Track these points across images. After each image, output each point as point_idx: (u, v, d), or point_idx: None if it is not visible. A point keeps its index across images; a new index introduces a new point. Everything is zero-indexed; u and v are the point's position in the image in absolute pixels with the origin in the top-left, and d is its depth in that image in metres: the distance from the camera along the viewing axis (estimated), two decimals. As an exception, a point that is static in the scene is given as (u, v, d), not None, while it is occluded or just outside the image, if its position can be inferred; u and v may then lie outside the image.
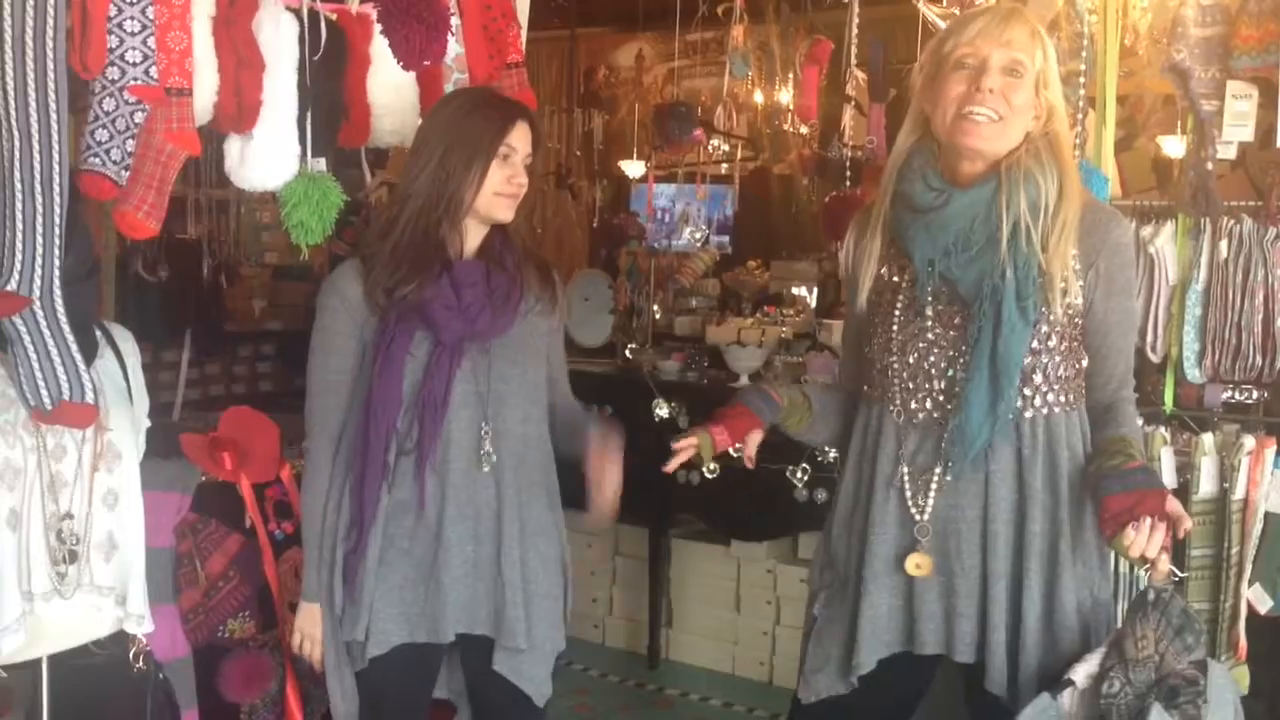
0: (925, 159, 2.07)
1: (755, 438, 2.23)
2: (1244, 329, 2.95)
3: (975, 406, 2.00)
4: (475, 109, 2.25)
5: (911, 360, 2.08)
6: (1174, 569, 1.93)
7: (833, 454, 3.63)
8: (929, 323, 2.07)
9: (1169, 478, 3.04)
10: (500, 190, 2.24)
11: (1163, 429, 3.05)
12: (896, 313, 2.10)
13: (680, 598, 4.72)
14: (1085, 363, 2.09)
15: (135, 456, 2.28)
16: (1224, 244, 2.96)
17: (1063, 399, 2.06)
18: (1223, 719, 1.92)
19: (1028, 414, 2.04)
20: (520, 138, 2.26)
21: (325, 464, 2.31)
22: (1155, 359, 3.13)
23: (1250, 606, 2.94)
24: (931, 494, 2.06)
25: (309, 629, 2.35)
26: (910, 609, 2.10)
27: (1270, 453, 2.92)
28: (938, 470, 2.05)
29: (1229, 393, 3.23)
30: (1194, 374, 3.04)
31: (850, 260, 2.22)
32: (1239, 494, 2.94)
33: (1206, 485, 2.99)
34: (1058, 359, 2.05)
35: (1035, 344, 2.02)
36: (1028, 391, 2.03)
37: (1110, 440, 2.03)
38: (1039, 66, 2.00)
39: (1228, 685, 1.94)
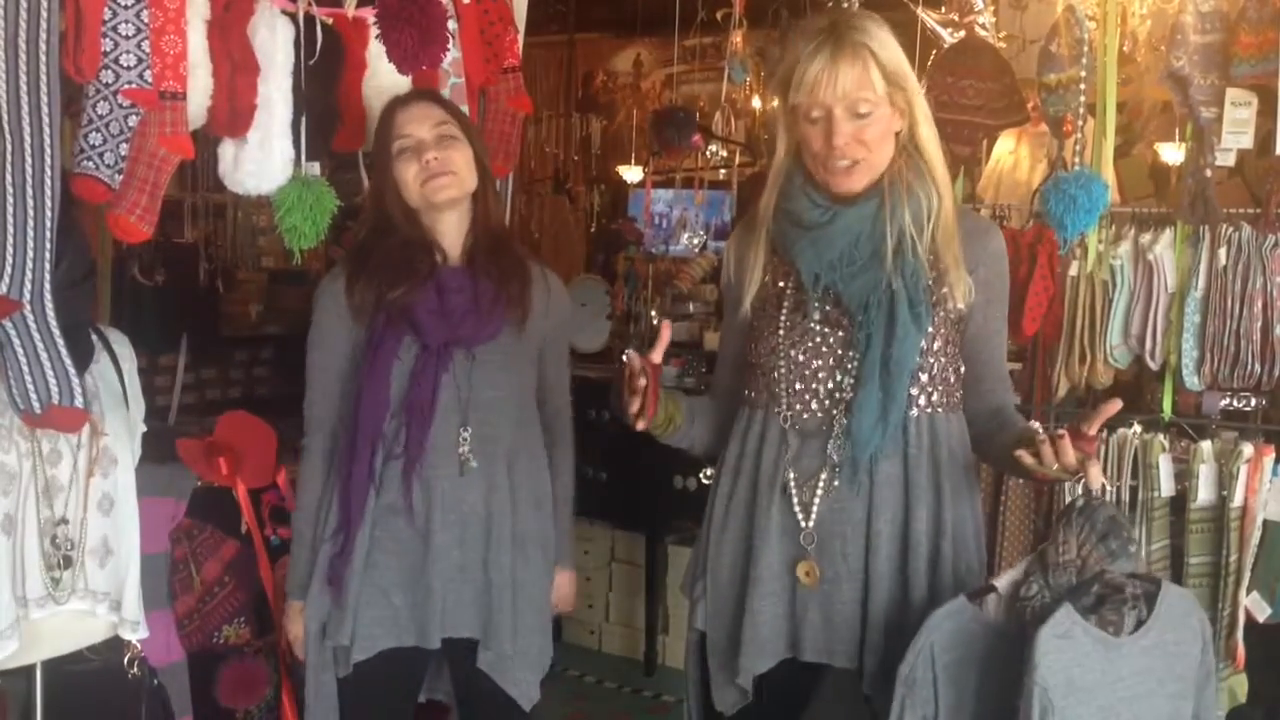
0: (806, 176, 2.08)
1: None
2: (1243, 336, 2.94)
3: (866, 413, 2.01)
4: (379, 120, 2.30)
5: (799, 361, 2.08)
6: (1105, 481, 1.95)
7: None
8: (815, 325, 2.08)
9: (1167, 485, 3.04)
10: (419, 178, 2.25)
11: (1161, 436, 3.05)
12: (782, 316, 2.10)
13: (677, 604, 4.67)
14: (963, 369, 2.12)
15: (131, 461, 2.27)
16: (1223, 251, 2.95)
17: (945, 400, 2.09)
18: (1180, 639, 1.90)
19: (913, 413, 2.05)
20: (412, 121, 2.26)
21: (319, 461, 2.33)
22: (1154, 366, 3.12)
23: (1248, 614, 2.93)
24: (818, 499, 2.05)
25: (294, 628, 2.35)
26: (793, 615, 2.10)
27: (1269, 460, 2.91)
28: (824, 476, 2.05)
29: (1226, 400, 3.22)
30: (1193, 381, 3.03)
31: (733, 270, 2.20)
32: (1237, 501, 2.93)
33: (1205, 493, 2.99)
34: (943, 360, 2.07)
35: (922, 345, 2.04)
36: (914, 391, 2.05)
37: (1023, 431, 2.02)
38: (883, 87, 2.00)
39: (1190, 608, 1.94)
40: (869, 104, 1.98)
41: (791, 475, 2.07)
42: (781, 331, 2.10)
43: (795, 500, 2.07)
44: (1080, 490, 1.91)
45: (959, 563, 2.08)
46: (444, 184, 2.26)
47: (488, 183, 2.35)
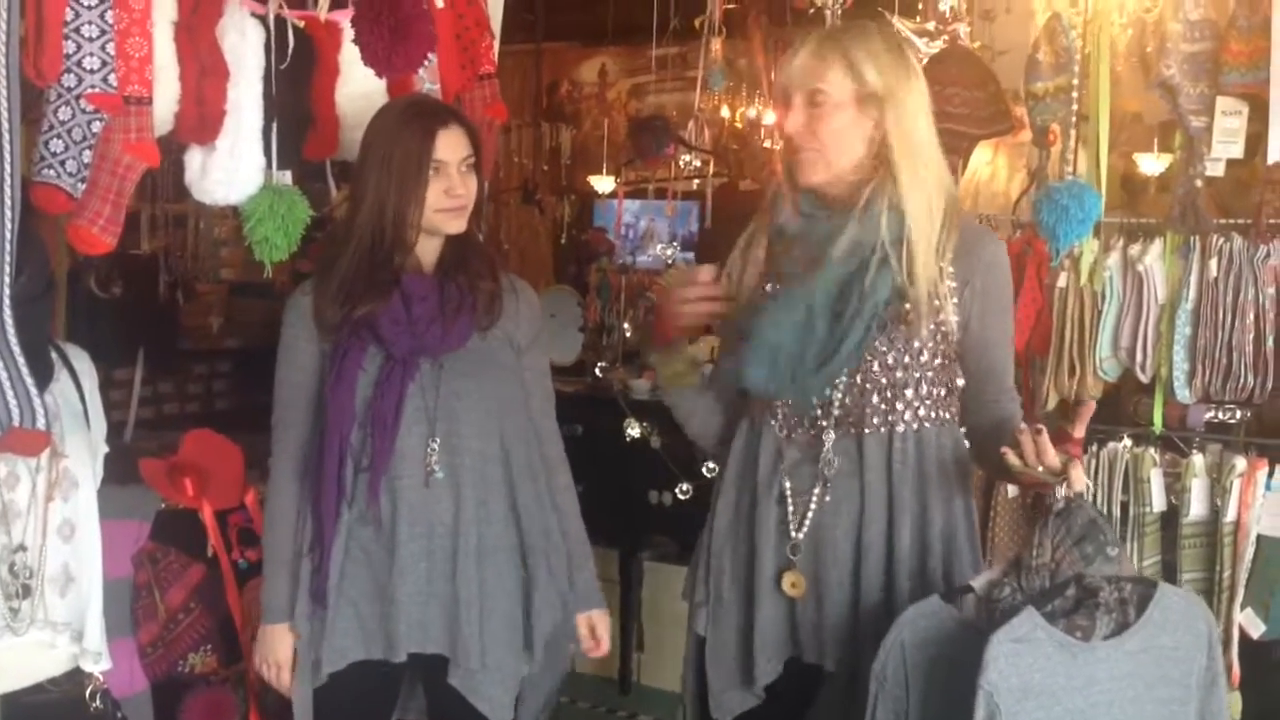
0: (793, 185, 2.11)
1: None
2: (1235, 348, 2.92)
3: (806, 364, 2.03)
4: (403, 125, 2.22)
5: None
6: (1089, 483, 1.92)
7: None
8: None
9: (1158, 500, 3.01)
10: (440, 206, 2.21)
11: (1152, 450, 3.01)
12: None
13: (653, 621, 4.64)
14: (960, 382, 2.11)
15: (93, 484, 2.21)
16: (1214, 262, 2.93)
17: (933, 415, 2.08)
18: (1178, 642, 1.88)
19: (899, 429, 2.06)
20: (449, 147, 2.21)
21: (285, 479, 2.30)
22: (1144, 379, 3.09)
23: (1242, 631, 2.90)
24: (810, 511, 2.08)
25: (274, 654, 2.29)
26: (792, 617, 2.12)
27: (1262, 474, 2.90)
28: (816, 490, 2.07)
29: (1212, 412, 3.20)
30: (1184, 394, 3.01)
31: (736, 273, 2.22)
32: (1230, 516, 2.92)
33: (1197, 508, 2.97)
34: (930, 375, 2.06)
35: (907, 359, 2.04)
36: (900, 406, 2.05)
37: (1011, 436, 2.00)
38: (847, 87, 2.01)
39: (1193, 610, 1.92)
40: (823, 96, 2.01)
41: (788, 485, 2.09)
42: None
43: (790, 510, 2.09)
44: (1059, 493, 1.88)
45: (952, 572, 2.08)
46: (459, 218, 2.25)
47: (479, 210, 2.34)
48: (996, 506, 3.15)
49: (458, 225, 2.24)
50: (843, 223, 2.03)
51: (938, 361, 2.07)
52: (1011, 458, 1.85)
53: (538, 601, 2.31)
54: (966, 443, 2.14)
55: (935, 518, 2.07)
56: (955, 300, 2.06)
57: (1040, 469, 1.83)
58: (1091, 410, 1.92)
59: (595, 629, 2.40)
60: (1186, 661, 1.89)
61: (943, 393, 2.09)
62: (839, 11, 3.41)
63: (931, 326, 2.04)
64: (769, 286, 2.12)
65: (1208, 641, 1.91)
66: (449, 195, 2.20)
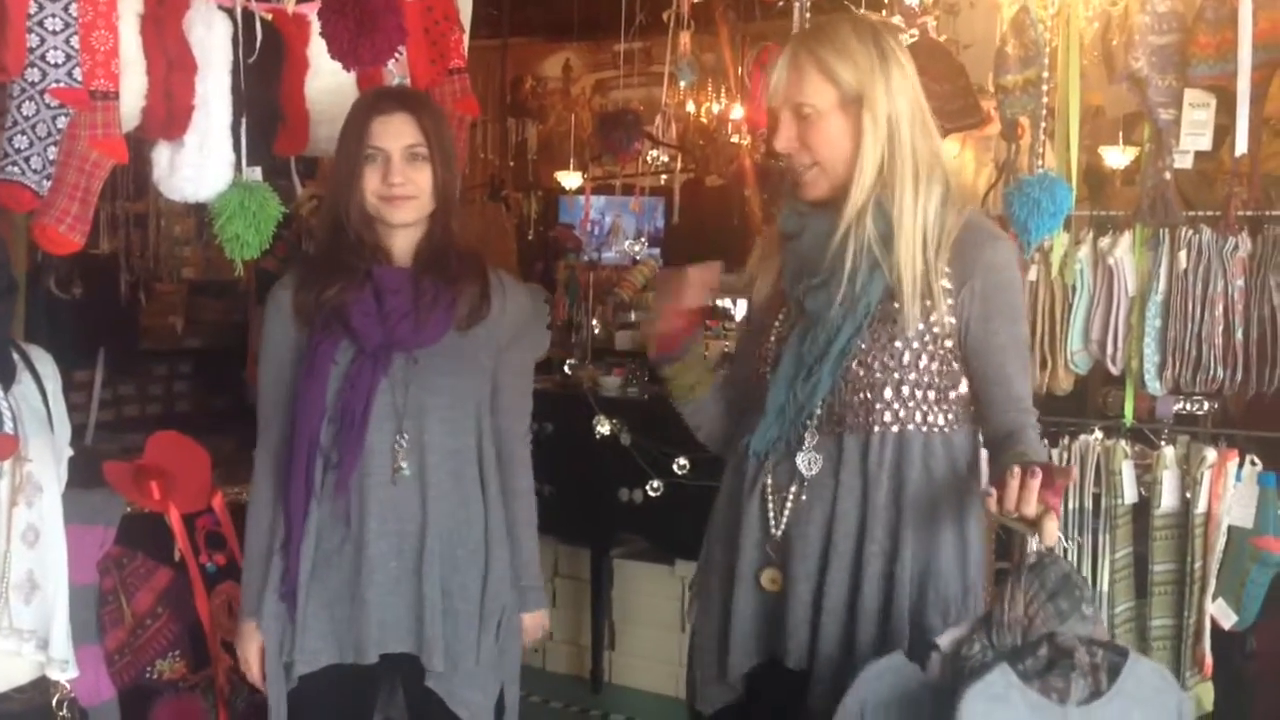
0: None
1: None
2: (1204, 340, 2.93)
3: (770, 411, 2.04)
4: (352, 111, 2.21)
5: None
6: (1061, 537, 1.85)
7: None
8: (794, 339, 2.09)
9: (1130, 491, 3.02)
10: (380, 194, 2.18)
11: (1123, 442, 3.02)
12: (776, 324, 2.13)
13: (624, 619, 4.65)
14: (964, 388, 2.05)
15: (57, 489, 2.16)
16: (1183, 254, 2.94)
17: (918, 418, 2.02)
18: (1148, 717, 1.76)
19: (876, 429, 2.01)
20: (387, 134, 2.17)
21: (263, 475, 2.27)
22: (1115, 371, 3.10)
23: (1214, 622, 2.92)
24: (787, 508, 2.07)
25: (243, 649, 2.26)
26: (767, 614, 2.10)
27: (1232, 465, 2.91)
28: (793, 488, 2.06)
29: (1180, 404, 3.21)
30: (1155, 386, 3.02)
31: (754, 272, 2.23)
32: (1201, 508, 2.93)
33: (1168, 499, 2.98)
34: (912, 376, 2.01)
35: (886, 358, 1.99)
36: (878, 406, 2.01)
37: (1012, 455, 1.96)
38: (828, 94, 1.98)
39: (1165, 687, 1.80)
40: (809, 108, 1.99)
41: (769, 481, 2.07)
42: (773, 339, 2.11)
43: (770, 506, 2.07)
44: (1032, 546, 1.80)
45: (927, 590, 2.02)
46: (402, 208, 2.20)
47: (450, 204, 2.26)
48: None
49: (403, 215, 2.20)
50: (827, 224, 2.01)
51: (924, 363, 2.01)
52: (991, 503, 1.77)
53: (492, 586, 2.28)
54: (984, 451, 2.08)
55: (909, 530, 2.00)
56: (950, 301, 1.99)
57: (1015, 516, 1.75)
58: (1071, 477, 1.86)
59: (528, 627, 2.39)
60: None
61: (932, 396, 2.02)
62: (807, 4, 3.39)
63: (921, 327, 1.99)
64: (781, 315, 2.11)
65: (1178, 717, 1.81)
66: (385, 183, 2.17)
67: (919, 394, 2.01)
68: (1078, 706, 1.71)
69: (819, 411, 2.03)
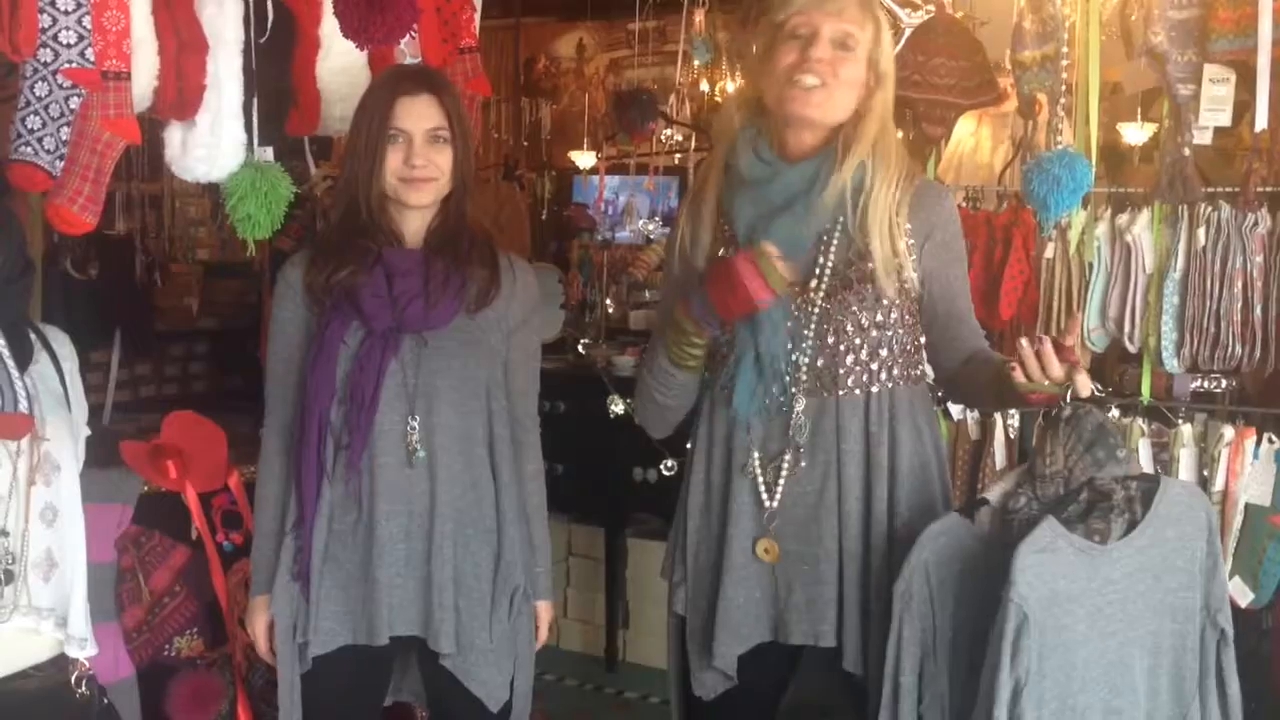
0: (755, 133, 2.09)
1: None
2: (1223, 318, 2.91)
3: (743, 383, 2.05)
4: (373, 89, 2.21)
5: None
6: (1097, 386, 1.91)
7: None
8: None
9: (1147, 468, 3.00)
10: (401, 176, 2.17)
11: (1140, 420, 3.01)
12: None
13: (638, 598, 4.65)
14: (924, 338, 2.14)
15: (75, 468, 2.16)
16: (1202, 231, 2.92)
17: (905, 374, 2.10)
18: (1182, 533, 1.91)
19: (874, 389, 2.06)
20: (410, 116, 2.16)
21: (272, 453, 2.28)
22: (1132, 349, 3.08)
23: (1231, 600, 2.90)
24: (782, 480, 2.07)
25: (252, 624, 2.29)
26: (775, 599, 2.11)
27: (1250, 443, 2.90)
28: (787, 457, 2.06)
29: (1197, 382, 3.19)
30: (1172, 364, 3.00)
31: (687, 235, 2.18)
32: (1218, 485, 2.92)
33: (1186, 477, 2.96)
34: (900, 332, 2.08)
35: (879, 317, 2.05)
36: (875, 366, 2.06)
37: (1001, 362, 2.00)
38: (870, 40, 2.03)
39: (1195, 502, 1.96)
40: (854, 41, 2.01)
41: (756, 456, 2.08)
42: None
43: (760, 481, 2.08)
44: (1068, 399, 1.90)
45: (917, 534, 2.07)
46: (422, 190, 2.20)
47: (465, 187, 2.26)
48: (984, 482, 3.14)
49: (421, 197, 2.20)
50: (799, 179, 2.03)
51: (907, 319, 2.09)
52: (1019, 374, 1.85)
53: (504, 567, 2.28)
54: (943, 393, 2.17)
55: (904, 483, 2.07)
56: (914, 257, 2.07)
57: (1046, 382, 1.83)
58: (1080, 321, 1.94)
59: (539, 620, 2.37)
60: (1190, 549, 1.94)
61: (911, 350, 2.11)
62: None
63: (896, 285, 2.05)
64: (722, 251, 2.10)
65: (1207, 528, 1.96)
66: (407, 165, 2.16)
67: (905, 349, 2.09)
68: (1117, 541, 1.86)
69: (804, 377, 2.04)
